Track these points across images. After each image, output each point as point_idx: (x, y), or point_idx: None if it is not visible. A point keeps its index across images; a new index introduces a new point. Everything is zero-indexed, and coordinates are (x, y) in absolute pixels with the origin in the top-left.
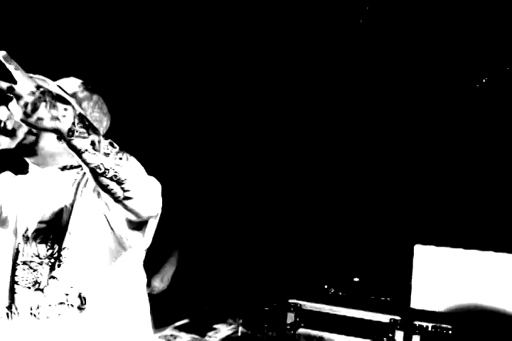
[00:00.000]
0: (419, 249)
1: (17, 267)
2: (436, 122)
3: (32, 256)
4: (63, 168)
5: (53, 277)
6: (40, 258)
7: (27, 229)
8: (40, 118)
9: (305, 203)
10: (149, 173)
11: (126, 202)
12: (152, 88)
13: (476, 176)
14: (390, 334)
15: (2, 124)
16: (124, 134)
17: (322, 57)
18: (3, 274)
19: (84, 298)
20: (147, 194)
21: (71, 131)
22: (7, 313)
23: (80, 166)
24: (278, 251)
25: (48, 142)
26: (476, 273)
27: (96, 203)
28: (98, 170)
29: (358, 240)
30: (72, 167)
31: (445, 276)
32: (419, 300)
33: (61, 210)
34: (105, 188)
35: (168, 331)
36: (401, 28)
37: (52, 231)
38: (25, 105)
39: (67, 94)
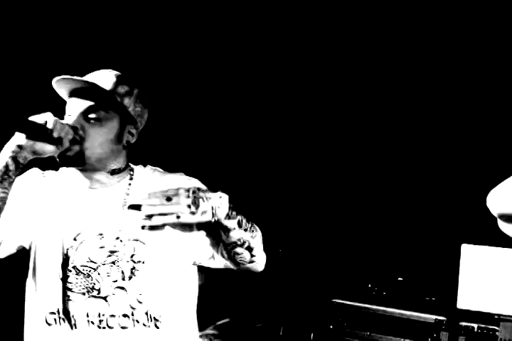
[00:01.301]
0: (466, 249)
1: (68, 273)
2: (472, 119)
3: (87, 262)
4: (113, 172)
5: (121, 288)
6: (95, 263)
7: (79, 234)
8: (204, 212)
9: (351, 202)
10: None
11: (249, 264)
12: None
13: None
14: (435, 335)
15: (49, 132)
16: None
17: (322, 57)
18: (50, 279)
19: (151, 317)
20: (264, 254)
21: (227, 215)
22: (55, 319)
23: (127, 168)
24: (322, 250)
25: (94, 149)
26: None
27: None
28: (238, 242)
29: (403, 239)
30: (120, 170)
31: (492, 276)
32: (465, 301)
33: (118, 215)
34: (236, 255)
35: (209, 330)
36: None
37: (110, 237)
38: (189, 206)
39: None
